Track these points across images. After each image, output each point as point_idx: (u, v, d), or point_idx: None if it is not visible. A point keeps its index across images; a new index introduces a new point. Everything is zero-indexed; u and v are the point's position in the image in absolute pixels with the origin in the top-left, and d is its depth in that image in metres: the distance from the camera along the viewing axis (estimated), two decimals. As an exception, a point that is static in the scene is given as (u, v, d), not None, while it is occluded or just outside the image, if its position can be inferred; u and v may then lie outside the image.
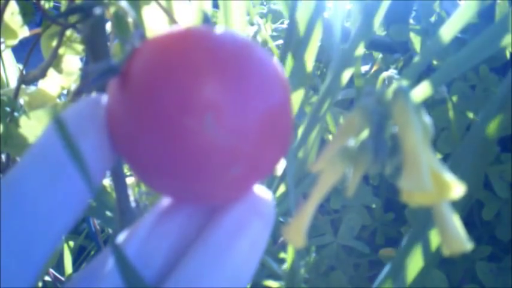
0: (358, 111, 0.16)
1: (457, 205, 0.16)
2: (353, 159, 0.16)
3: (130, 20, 0.23)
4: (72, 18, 0.26)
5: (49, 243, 0.16)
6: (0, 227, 0.15)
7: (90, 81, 0.16)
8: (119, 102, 0.16)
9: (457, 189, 0.14)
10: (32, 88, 0.36)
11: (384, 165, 0.16)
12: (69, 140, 0.15)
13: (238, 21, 0.29)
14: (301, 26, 0.29)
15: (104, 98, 0.17)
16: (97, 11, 0.18)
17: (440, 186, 0.14)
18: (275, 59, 0.17)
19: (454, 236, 0.15)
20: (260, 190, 0.19)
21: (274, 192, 0.31)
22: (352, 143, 0.16)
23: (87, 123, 0.16)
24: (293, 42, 0.30)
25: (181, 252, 0.17)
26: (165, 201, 0.19)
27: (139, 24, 0.26)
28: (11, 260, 0.15)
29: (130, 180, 0.37)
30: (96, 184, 0.17)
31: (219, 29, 0.17)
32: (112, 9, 0.23)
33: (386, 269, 0.28)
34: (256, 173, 0.18)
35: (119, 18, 0.22)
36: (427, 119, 0.15)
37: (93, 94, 0.17)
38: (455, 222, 0.15)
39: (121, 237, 0.18)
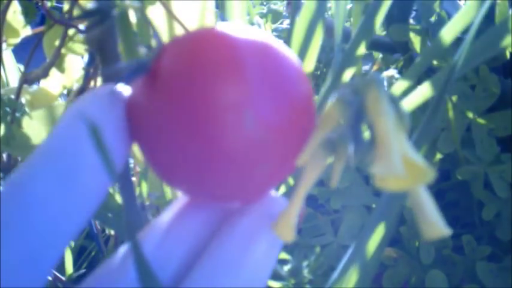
0: (336, 103, 0.16)
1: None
2: (334, 151, 0.16)
3: (134, 20, 0.23)
4: (76, 19, 0.26)
5: (60, 246, 0.15)
6: (9, 228, 0.14)
7: (120, 79, 0.16)
8: (146, 100, 0.16)
9: (429, 174, 0.14)
10: (34, 87, 0.36)
11: (363, 155, 0.16)
12: (96, 131, 0.14)
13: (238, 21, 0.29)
14: (303, 26, 0.29)
15: (121, 90, 0.17)
16: (113, 13, 0.18)
17: (414, 172, 0.14)
18: (295, 56, 0.17)
19: (431, 221, 0.15)
20: (274, 194, 0.19)
21: (276, 191, 0.31)
22: (332, 134, 0.16)
23: (103, 114, 0.16)
24: (294, 42, 0.30)
25: (196, 256, 0.17)
26: (179, 203, 0.19)
27: (146, 24, 0.26)
28: (20, 263, 0.15)
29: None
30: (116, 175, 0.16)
31: (241, 27, 0.17)
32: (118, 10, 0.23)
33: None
34: (281, 171, 0.18)
35: (123, 19, 0.22)
36: (404, 109, 0.16)
37: (108, 85, 0.17)
38: (432, 207, 0.15)
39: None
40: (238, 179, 0.17)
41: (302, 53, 0.29)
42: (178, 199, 0.19)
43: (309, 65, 0.30)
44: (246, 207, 0.18)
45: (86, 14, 0.16)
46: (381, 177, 0.14)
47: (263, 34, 0.17)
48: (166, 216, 0.18)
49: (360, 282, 0.26)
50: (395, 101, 0.15)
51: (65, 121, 0.16)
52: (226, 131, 0.15)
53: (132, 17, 0.24)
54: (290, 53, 0.17)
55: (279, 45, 0.17)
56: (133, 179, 0.37)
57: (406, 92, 0.29)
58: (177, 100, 0.16)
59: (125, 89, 0.17)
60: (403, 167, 0.14)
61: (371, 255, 0.27)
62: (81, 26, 0.26)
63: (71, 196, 0.15)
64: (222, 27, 0.17)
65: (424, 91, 0.28)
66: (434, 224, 0.15)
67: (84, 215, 0.16)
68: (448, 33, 0.28)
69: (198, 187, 0.17)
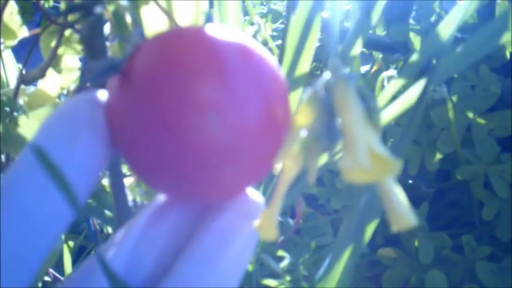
0: (308, 100, 0.16)
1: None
2: (308, 148, 0.16)
3: (129, 19, 0.23)
4: (71, 18, 0.26)
5: (44, 248, 0.16)
6: None
7: (91, 78, 0.16)
8: (120, 100, 0.17)
9: (395, 166, 0.14)
10: (31, 88, 0.37)
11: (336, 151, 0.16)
12: (50, 164, 0.15)
13: (233, 21, 0.29)
14: (299, 26, 0.29)
15: (101, 95, 0.17)
16: (97, 9, 0.18)
17: (380, 165, 0.14)
18: (273, 57, 0.17)
19: (399, 212, 0.15)
20: (251, 193, 0.19)
21: (272, 191, 0.31)
22: (306, 132, 0.16)
23: (83, 121, 0.16)
24: (289, 41, 0.30)
25: (171, 256, 0.17)
26: (154, 204, 0.19)
27: (138, 22, 0.26)
28: (6, 265, 0.15)
29: (128, 181, 0.37)
30: (90, 185, 0.17)
31: (218, 28, 0.17)
32: (111, 8, 0.23)
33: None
34: (253, 172, 0.18)
35: (118, 17, 0.22)
36: (376, 105, 0.16)
37: (90, 90, 0.17)
38: (400, 198, 0.15)
39: (110, 243, 0.18)
40: (209, 179, 0.17)
41: (297, 53, 0.29)
42: (155, 199, 0.19)
43: (305, 64, 0.30)
44: (221, 206, 0.18)
45: (70, 9, 0.16)
46: (347, 170, 0.14)
47: (241, 36, 0.17)
48: (143, 217, 0.18)
49: (339, 282, 0.26)
50: (366, 97, 0.16)
51: (40, 132, 0.16)
52: (192, 130, 0.15)
53: (127, 17, 0.24)
54: (267, 55, 0.17)
55: (256, 47, 0.17)
56: (130, 178, 0.37)
57: (403, 90, 0.29)
58: (147, 97, 0.16)
59: (103, 93, 0.17)
60: (369, 160, 0.14)
61: (348, 255, 0.27)
62: (78, 26, 0.26)
63: (50, 203, 0.16)
64: (199, 27, 0.17)
65: (420, 90, 0.28)
66: (402, 215, 0.15)
67: (64, 221, 0.16)
68: (443, 31, 0.28)
69: (172, 185, 0.17)
